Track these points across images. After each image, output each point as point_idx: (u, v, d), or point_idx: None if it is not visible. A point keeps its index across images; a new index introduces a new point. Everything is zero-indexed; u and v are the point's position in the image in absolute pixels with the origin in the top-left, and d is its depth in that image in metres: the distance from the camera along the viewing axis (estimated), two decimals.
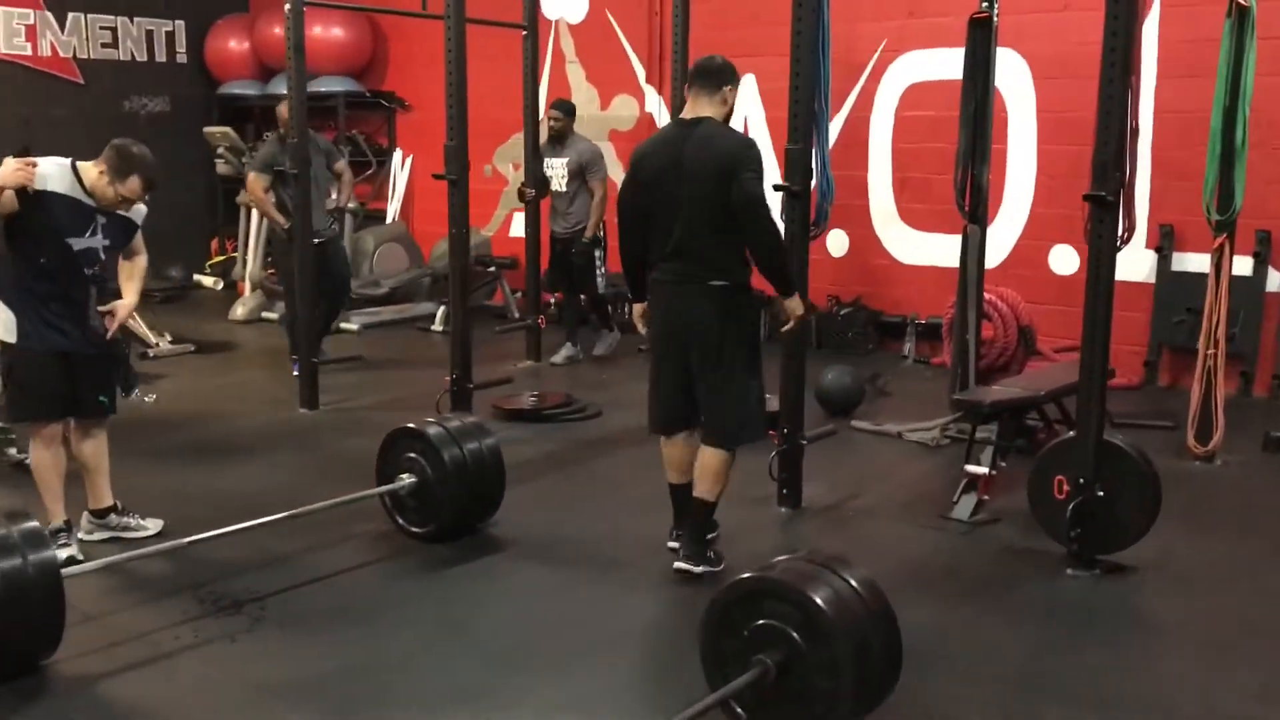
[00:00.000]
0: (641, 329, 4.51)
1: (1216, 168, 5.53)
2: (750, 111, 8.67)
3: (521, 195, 8.09)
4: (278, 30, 9.25)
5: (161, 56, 11.26)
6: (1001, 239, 7.72)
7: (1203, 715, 3.35)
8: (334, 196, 7.80)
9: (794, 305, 4.30)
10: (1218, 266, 5.61)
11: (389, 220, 10.79)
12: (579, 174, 7.76)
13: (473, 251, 9.00)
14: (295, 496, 4.66)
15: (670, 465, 4.43)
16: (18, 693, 3.37)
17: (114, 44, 10.91)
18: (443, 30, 6.04)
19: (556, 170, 7.82)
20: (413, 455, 4.56)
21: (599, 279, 7.89)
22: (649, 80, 9.34)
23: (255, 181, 7.34)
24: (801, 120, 4.76)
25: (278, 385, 7.25)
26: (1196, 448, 5.68)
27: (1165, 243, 7.20)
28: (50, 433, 4.38)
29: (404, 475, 4.56)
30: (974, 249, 5.96)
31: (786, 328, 4.46)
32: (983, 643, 3.81)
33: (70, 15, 10.56)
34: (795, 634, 2.95)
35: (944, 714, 3.32)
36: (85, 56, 10.70)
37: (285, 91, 6.96)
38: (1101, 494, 4.22)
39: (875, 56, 8.19)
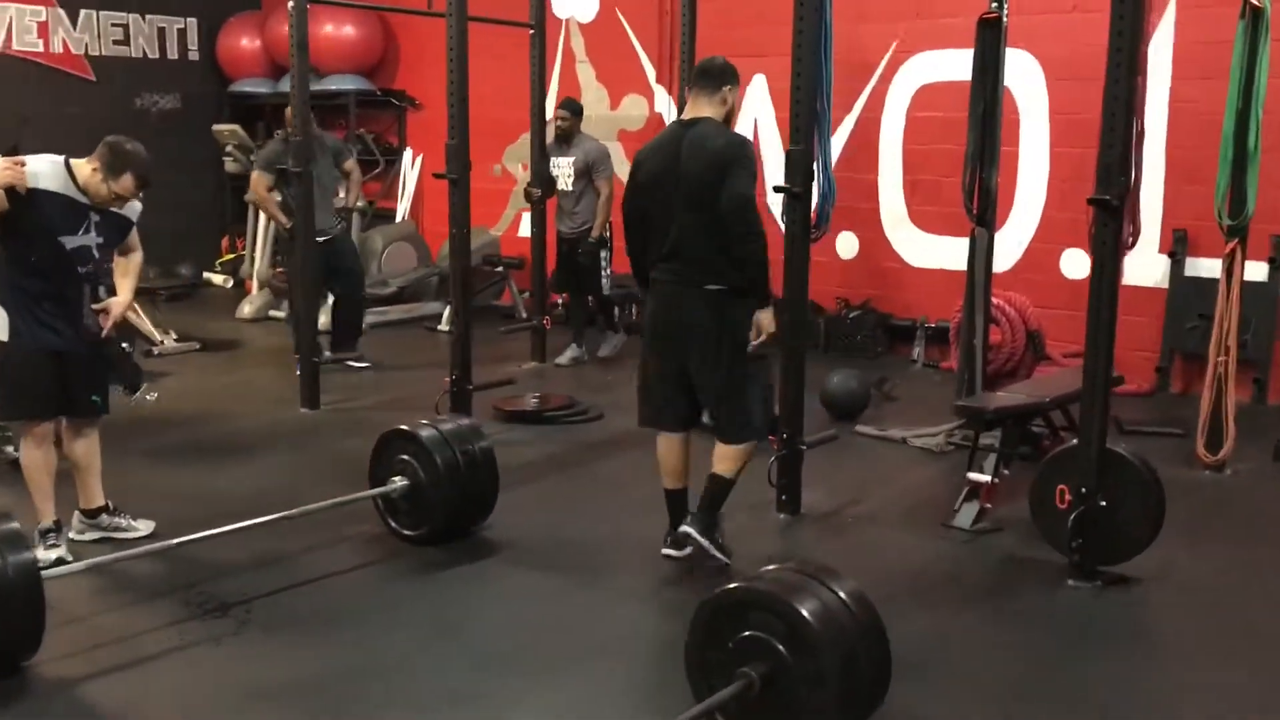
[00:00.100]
0: None
1: (1229, 172, 5.43)
2: (760, 112, 8.61)
3: (528, 195, 8.05)
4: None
5: (173, 54, 11.26)
6: (1013, 242, 7.64)
7: None
8: (340, 195, 7.78)
9: (767, 318, 4.12)
10: (1229, 272, 5.51)
11: (398, 219, 10.76)
12: (585, 173, 7.70)
13: (481, 251, 8.99)
14: (290, 497, 4.62)
15: (665, 469, 4.39)
16: None
17: (126, 41, 10.91)
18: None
19: (563, 169, 7.77)
20: (405, 457, 4.51)
21: (604, 279, 7.82)
22: (659, 80, 9.28)
23: (259, 180, 7.32)
24: (803, 121, 4.70)
25: (281, 384, 7.22)
26: (1206, 456, 5.58)
27: (1178, 247, 7.09)
28: (41, 432, 4.35)
29: (396, 478, 4.52)
30: (981, 252, 5.88)
31: (756, 341, 4.14)
32: (981, 653, 3.74)
33: (82, 12, 10.56)
34: (780, 646, 2.90)
35: None
36: (97, 53, 10.71)
37: None
38: (1104, 504, 4.14)
39: (886, 57, 8.11)
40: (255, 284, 9.89)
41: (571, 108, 7.82)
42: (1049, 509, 4.32)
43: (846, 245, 8.42)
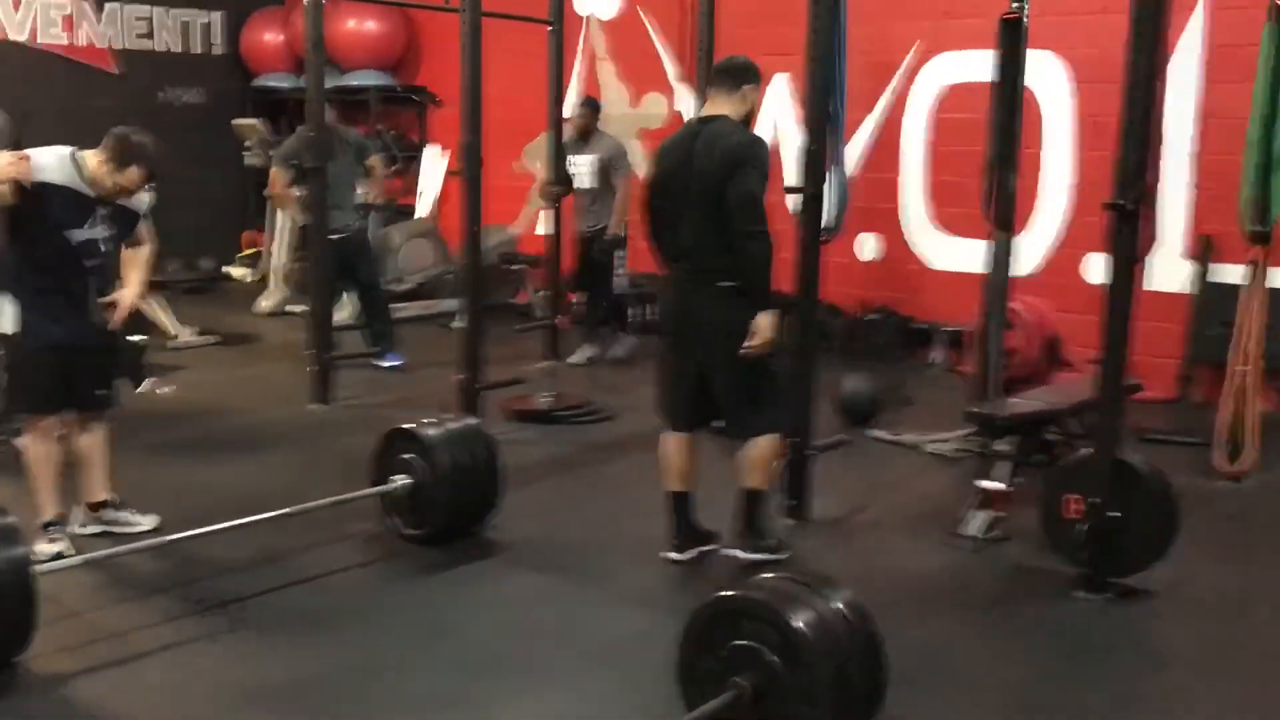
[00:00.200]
0: None
1: (1254, 177, 5.32)
2: (783, 112, 8.52)
3: (546, 193, 8.00)
4: None
5: (197, 48, 11.31)
6: (1035, 247, 7.53)
7: None
8: (359, 191, 7.76)
9: (765, 324, 4.03)
10: (1252, 278, 5.40)
11: (418, 216, 10.74)
12: (603, 171, 7.65)
13: (498, 249, 8.96)
14: (294, 494, 4.59)
15: (668, 470, 4.35)
16: None
17: (150, 35, 10.96)
18: None
19: (581, 167, 7.72)
20: (408, 456, 4.48)
21: (616, 279, 7.76)
22: (681, 78, 9.21)
23: (278, 175, 7.31)
24: (814, 121, 4.63)
25: (295, 380, 7.18)
26: (1225, 466, 5.47)
27: (1204, 253, 6.96)
28: (46, 426, 4.34)
29: (398, 476, 4.48)
30: (999, 257, 5.78)
31: (749, 346, 4.04)
32: (984, 663, 3.68)
33: (107, 6, 10.63)
34: (773, 656, 2.84)
35: None
36: (121, 47, 10.76)
37: None
38: (1115, 515, 4.05)
39: (909, 57, 8.01)
40: (273, 279, 9.90)
41: (590, 105, 7.78)
42: (1059, 519, 4.24)
43: (866, 247, 8.33)
